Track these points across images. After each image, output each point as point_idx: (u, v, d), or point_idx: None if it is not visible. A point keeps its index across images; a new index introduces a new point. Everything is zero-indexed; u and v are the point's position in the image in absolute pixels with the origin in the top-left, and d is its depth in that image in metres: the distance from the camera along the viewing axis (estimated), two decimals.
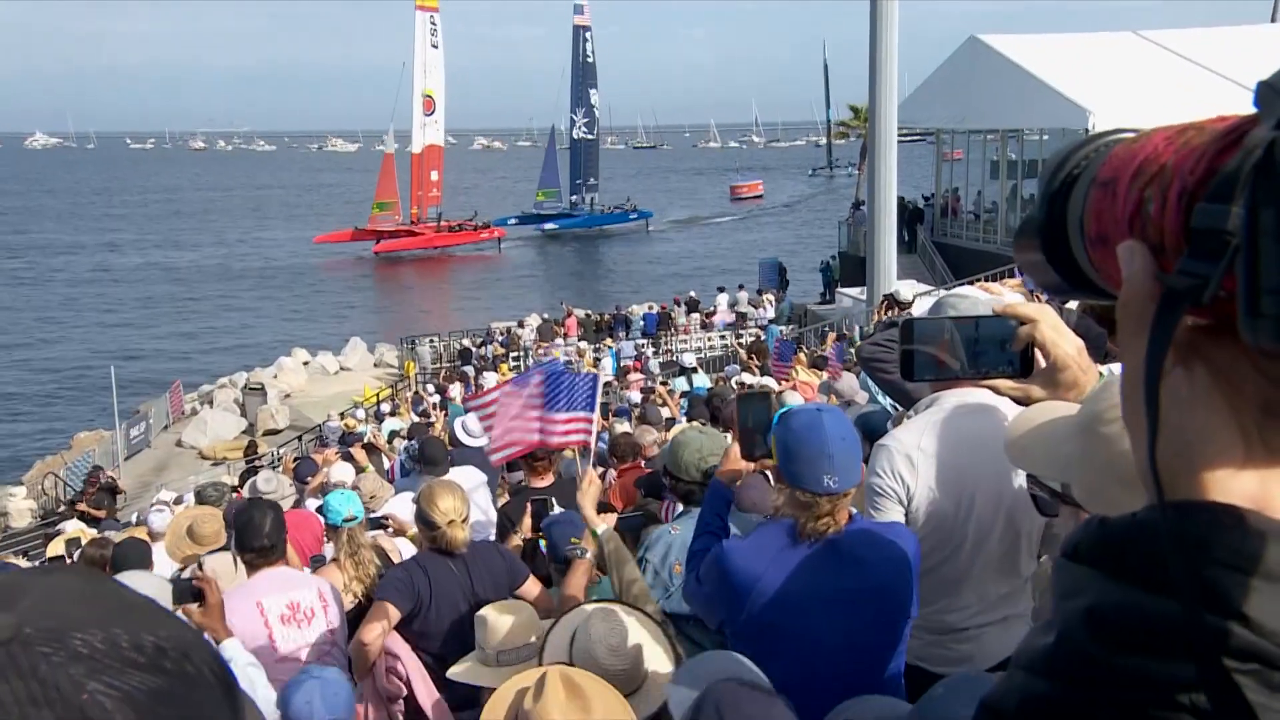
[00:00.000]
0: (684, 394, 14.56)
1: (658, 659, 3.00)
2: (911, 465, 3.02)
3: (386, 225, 59.44)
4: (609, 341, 29.80)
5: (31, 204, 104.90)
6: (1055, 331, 1.73)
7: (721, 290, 33.44)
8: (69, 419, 28.33)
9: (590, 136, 67.53)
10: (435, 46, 60.75)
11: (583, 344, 29.24)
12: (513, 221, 66.04)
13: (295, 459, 15.61)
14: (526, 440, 5.89)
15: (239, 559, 4.46)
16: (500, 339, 30.64)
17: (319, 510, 5.99)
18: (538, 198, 68.14)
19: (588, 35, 66.01)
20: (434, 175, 60.89)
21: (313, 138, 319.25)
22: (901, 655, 2.87)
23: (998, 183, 28.96)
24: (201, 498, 8.20)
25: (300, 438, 23.34)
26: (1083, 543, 0.63)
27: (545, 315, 32.90)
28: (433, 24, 60.65)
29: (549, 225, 65.92)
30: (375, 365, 31.65)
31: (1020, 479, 3.03)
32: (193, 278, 54.42)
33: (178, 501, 14.40)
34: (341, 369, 31.06)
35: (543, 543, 4.70)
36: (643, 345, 28.85)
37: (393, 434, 17.61)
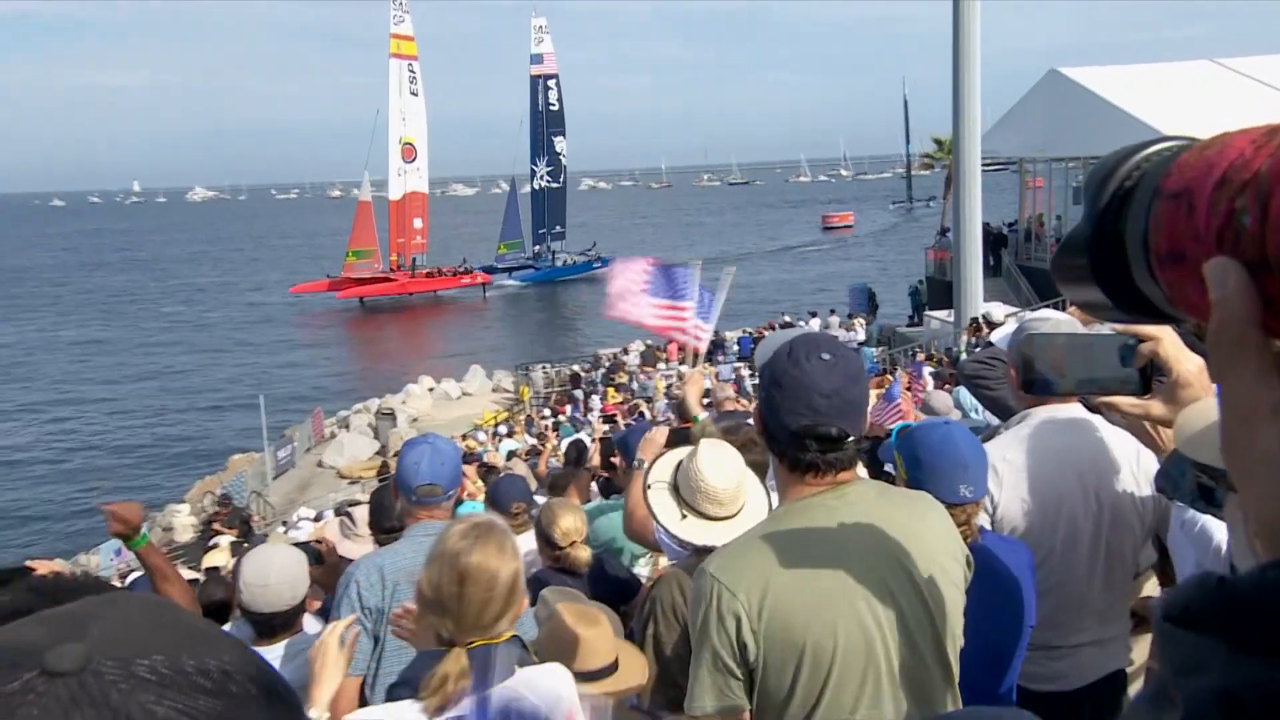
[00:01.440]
0: None
1: (756, 496, 3.05)
2: (996, 476, 2.89)
3: (364, 272, 55.76)
4: (707, 366, 29.65)
5: (192, 251, 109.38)
6: (1177, 349, 1.61)
7: (814, 315, 33.06)
8: (225, 442, 29.23)
9: (555, 185, 63.23)
10: (415, 94, 58.03)
11: (684, 367, 29.15)
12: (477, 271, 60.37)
13: None
14: (638, 317, 5.87)
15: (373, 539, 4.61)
16: (607, 364, 30.75)
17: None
18: (499, 250, 63.04)
19: (550, 84, 62.63)
20: (418, 223, 57.75)
21: (435, 184, 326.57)
22: (1017, 669, 2.74)
23: (1080, 208, 28.10)
24: (339, 513, 8.34)
25: None
26: (1195, 605, 0.49)
27: (648, 342, 32.92)
28: (411, 71, 57.76)
29: (509, 282, 60.40)
30: (493, 390, 32.02)
31: (1124, 489, 2.86)
32: (330, 314, 55.78)
33: (317, 518, 14.75)
34: (463, 394, 31.50)
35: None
36: (739, 368, 28.63)
37: (510, 454, 17.80)
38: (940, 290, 27.60)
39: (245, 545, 11.86)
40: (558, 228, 63.69)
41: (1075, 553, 2.92)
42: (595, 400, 25.15)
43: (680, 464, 3.09)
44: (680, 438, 5.76)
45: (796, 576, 1.81)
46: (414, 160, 57.99)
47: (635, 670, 2.57)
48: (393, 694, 2.03)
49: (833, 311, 33.23)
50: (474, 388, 31.97)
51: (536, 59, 62.67)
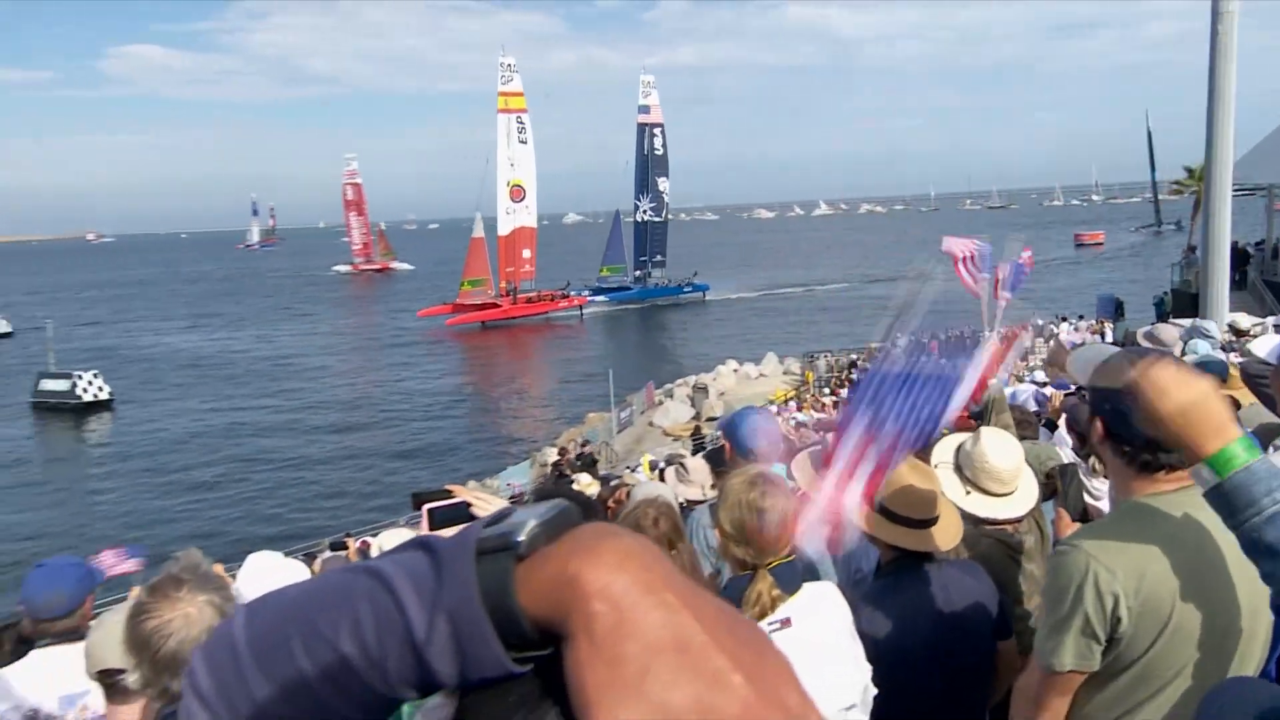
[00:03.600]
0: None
1: (1028, 478, 2.92)
2: None
3: (476, 299, 54.42)
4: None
5: (554, 261, 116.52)
6: None
7: (1064, 319, 30.80)
8: (586, 403, 31.36)
9: (658, 219, 60.01)
10: (524, 142, 55.51)
11: None
12: (585, 293, 57.82)
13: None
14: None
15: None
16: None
17: None
18: (601, 273, 60.20)
19: (656, 131, 59.19)
20: (526, 253, 55.67)
21: (741, 208, 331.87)
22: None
23: None
24: (670, 463, 9.06)
25: None
26: None
27: (913, 335, 31.85)
28: (520, 123, 55.48)
29: (599, 298, 57.14)
30: (784, 373, 32.33)
31: None
32: (668, 311, 57.26)
33: (653, 467, 15.87)
34: (760, 375, 32.04)
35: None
36: None
37: (799, 424, 18.17)
38: (1185, 301, 24.91)
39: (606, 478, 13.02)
40: (658, 256, 61.04)
41: None
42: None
43: (961, 447, 2.90)
44: None
45: (1168, 562, 1.72)
46: (523, 200, 56.27)
47: (951, 530, 2.45)
48: None
49: (1081, 316, 30.79)
50: (769, 370, 32.42)
51: (644, 109, 59.56)
